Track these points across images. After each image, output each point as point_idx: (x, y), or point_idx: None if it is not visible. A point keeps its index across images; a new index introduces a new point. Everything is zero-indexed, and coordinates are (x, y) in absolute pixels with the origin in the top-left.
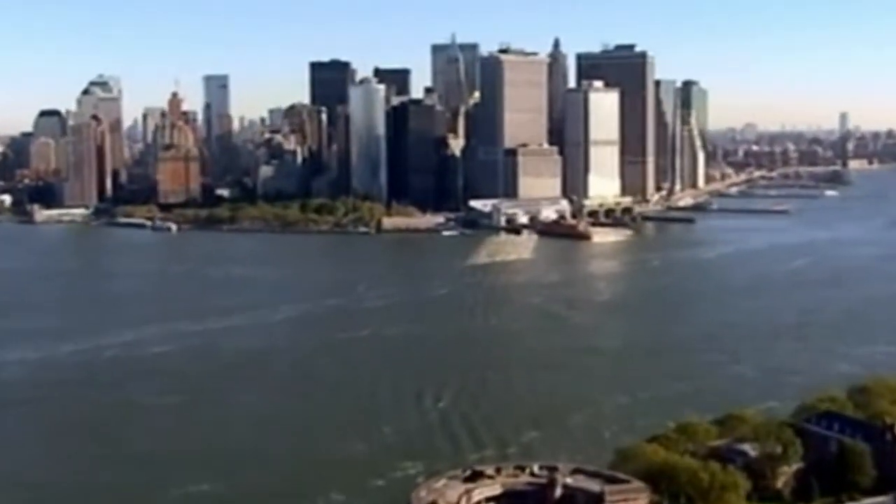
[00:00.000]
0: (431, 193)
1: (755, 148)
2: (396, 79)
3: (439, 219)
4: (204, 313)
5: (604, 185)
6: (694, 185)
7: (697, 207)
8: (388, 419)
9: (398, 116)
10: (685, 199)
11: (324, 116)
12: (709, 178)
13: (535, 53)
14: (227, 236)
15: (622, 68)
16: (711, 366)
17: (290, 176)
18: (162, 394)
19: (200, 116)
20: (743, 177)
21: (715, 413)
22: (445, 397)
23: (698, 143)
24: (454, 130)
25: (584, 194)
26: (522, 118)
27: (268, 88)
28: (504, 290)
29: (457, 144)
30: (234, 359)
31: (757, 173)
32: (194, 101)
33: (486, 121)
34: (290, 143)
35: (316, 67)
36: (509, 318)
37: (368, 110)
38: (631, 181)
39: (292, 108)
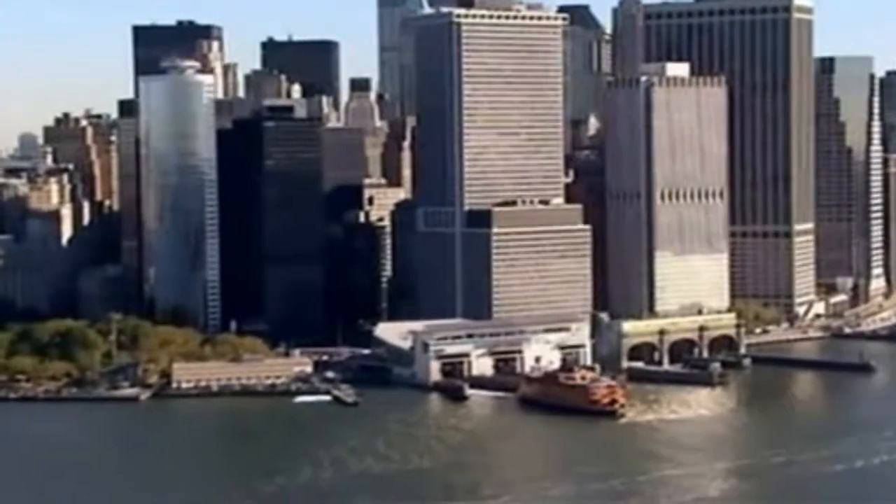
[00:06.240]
0: (316, 304)
1: None
2: (309, 60)
3: (304, 366)
4: None
5: (689, 284)
6: None
7: None
8: None
9: (245, 143)
10: (886, 313)
11: None
12: None
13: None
14: None
15: (736, 34)
16: None
17: (39, 268)
18: None
19: None
20: None
21: None
22: None
23: None
24: (393, 171)
25: (648, 304)
26: (508, 145)
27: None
28: None
29: (389, 200)
30: None
31: None
32: None
33: (429, 155)
34: (49, 199)
35: (142, 37)
36: None
37: (179, 130)
38: (756, 273)
39: (63, 121)
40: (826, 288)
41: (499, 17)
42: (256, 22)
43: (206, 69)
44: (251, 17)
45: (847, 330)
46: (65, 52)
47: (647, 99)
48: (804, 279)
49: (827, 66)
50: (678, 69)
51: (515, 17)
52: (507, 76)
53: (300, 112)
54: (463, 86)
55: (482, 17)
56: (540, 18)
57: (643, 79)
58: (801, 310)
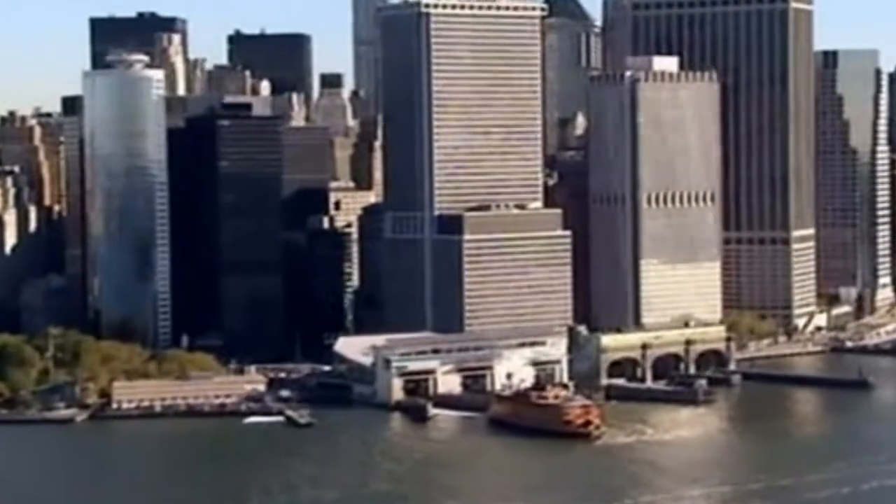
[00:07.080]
0: (276, 317)
1: None
2: (279, 55)
3: (257, 384)
4: None
5: (678, 295)
6: None
7: None
8: None
9: (199, 144)
10: (893, 326)
11: None
12: None
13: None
14: None
15: (730, 25)
16: None
17: None
18: None
19: None
20: None
21: None
22: None
23: None
24: (364, 173)
25: (634, 316)
26: (482, 145)
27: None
28: None
29: (357, 205)
30: None
31: None
32: None
33: (397, 155)
34: None
35: (99, 29)
36: None
37: (126, 129)
38: (751, 283)
39: (8, 120)
40: (828, 299)
41: (471, 7)
42: (226, 14)
43: (164, 63)
44: (220, 9)
45: (848, 344)
46: (23, 46)
47: (632, 95)
48: (804, 289)
49: (829, 60)
50: (666, 63)
51: (490, 8)
52: (481, 71)
53: (260, 110)
54: (433, 81)
55: (453, 7)
56: (517, 9)
57: (628, 74)
58: (800, 322)
